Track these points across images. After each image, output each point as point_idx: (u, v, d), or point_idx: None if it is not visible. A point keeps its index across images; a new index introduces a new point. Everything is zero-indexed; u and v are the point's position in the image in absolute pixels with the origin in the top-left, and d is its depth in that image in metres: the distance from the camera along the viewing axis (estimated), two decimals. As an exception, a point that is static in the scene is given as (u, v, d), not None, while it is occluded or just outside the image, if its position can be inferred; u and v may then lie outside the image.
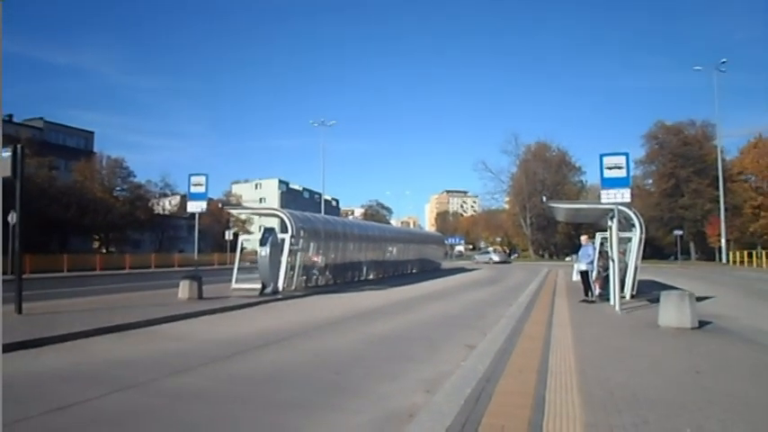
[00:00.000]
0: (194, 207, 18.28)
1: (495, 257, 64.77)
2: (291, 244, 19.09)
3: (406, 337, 10.49)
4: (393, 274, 31.65)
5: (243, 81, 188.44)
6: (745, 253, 46.82)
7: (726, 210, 54.46)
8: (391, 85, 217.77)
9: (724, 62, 55.39)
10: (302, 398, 5.92)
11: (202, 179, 18.19)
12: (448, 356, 8.21)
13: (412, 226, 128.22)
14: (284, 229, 19.77)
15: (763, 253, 44.37)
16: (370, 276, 28.21)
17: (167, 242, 62.38)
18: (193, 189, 18.31)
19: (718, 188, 54.41)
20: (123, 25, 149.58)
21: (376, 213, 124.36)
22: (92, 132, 65.48)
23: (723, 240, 53.24)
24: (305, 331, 10.73)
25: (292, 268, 19.45)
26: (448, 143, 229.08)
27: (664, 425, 4.63)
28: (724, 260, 51.99)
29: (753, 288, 23.04)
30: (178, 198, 66.22)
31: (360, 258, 27.24)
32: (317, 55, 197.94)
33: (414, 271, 36.52)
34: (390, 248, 32.48)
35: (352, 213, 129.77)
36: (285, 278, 18.59)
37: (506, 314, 12.87)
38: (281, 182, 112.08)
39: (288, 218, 19.69)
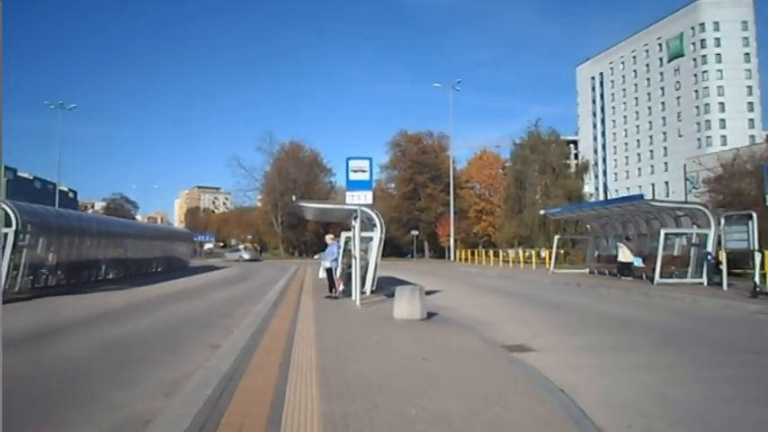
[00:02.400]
0: None
1: (246, 255, 64.38)
2: (18, 240, 16.99)
3: (146, 339, 9.96)
4: (136, 273, 29.72)
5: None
6: (469, 251, 52.58)
7: (455, 213, 60.67)
8: (140, 73, 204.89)
9: (458, 82, 62.41)
10: (18, 412, 5.30)
11: None
12: (191, 357, 7.99)
13: (160, 222, 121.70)
14: (8, 223, 17.46)
15: (483, 251, 50.21)
16: (110, 275, 26.18)
17: None
18: None
19: (449, 193, 60.24)
20: None
21: (120, 208, 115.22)
22: None
23: (452, 240, 59.32)
24: (25, 338, 9.58)
25: (16, 267, 17.27)
26: (201, 138, 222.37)
27: (392, 408, 5.03)
28: (452, 258, 57.95)
29: (473, 282, 26.06)
30: None
31: (98, 256, 25.14)
32: (56, 32, 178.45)
33: (159, 269, 34.69)
34: (133, 245, 30.47)
35: (93, 207, 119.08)
36: (7, 279, 16.43)
37: (253, 311, 12.88)
38: (7, 168, 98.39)
39: (12, 210, 17.43)
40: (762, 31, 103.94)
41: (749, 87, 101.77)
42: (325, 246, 16.81)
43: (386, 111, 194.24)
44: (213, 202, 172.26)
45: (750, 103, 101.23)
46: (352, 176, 13.49)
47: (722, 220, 18.80)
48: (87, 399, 5.81)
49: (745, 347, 8.99)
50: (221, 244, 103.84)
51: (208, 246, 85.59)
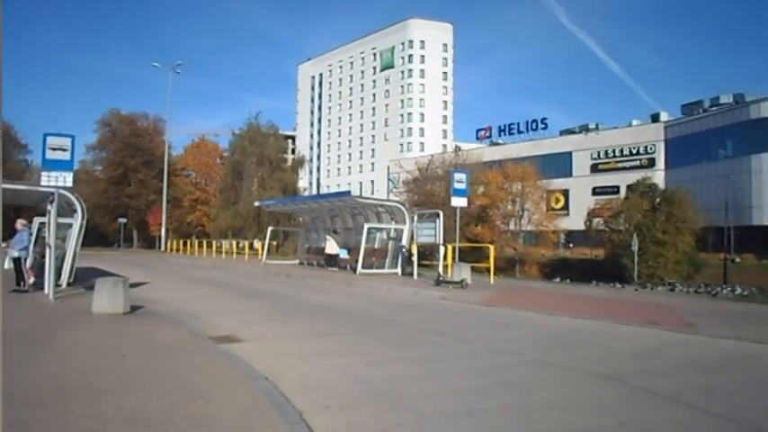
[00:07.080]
0: None
1: None
2: None
3: None
4: None
5: None
6: (182, 242, 50.86)
7: (168, 201, 58.20)
8: None
9: (180, 64, 59.77)
10: None
11: None
12: None
13: None
14: None
15: (197, 242, 48.99)
16: None
17: None
18: None
19: (163, 180, 57.62)
20: None
21: None
22: None
23: (164, 230, 56.80)
24: None
25: None
26: None
27: (86, 411, 4.74)
28: (163, 248, 55.45)
29: (184, 273, 25.31)
30: None
31: None
32: None
33: None
34: None
35: None
36: None
37: None
38: None
39: None
40: (458, 55, 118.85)
41: (445, 102, 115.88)
42: (15, 232, 14.85)
43: (96, 86, 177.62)
44: None
45: (444, 117, 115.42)
46: (50, 155, 12.17)
47: (416, 217, 21.21)
48: None
49: (431, 329, 10.26)
50: None
51: None
